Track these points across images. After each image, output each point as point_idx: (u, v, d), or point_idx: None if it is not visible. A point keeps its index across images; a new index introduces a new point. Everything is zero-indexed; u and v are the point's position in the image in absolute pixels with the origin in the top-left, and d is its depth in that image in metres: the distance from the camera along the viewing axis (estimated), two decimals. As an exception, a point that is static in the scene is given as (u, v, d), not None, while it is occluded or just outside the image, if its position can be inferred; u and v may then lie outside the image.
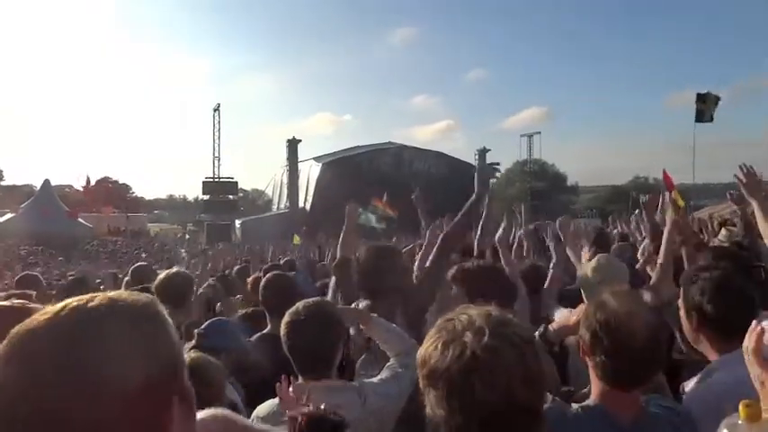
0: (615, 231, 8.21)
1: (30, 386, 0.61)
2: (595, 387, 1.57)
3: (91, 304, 0.69)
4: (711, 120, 14.48)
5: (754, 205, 2.77)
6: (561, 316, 2.23)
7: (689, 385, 1.80)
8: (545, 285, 3.15)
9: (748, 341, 1.09)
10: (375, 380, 2.08)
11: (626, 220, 8.20)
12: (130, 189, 62.22)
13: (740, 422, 0.97)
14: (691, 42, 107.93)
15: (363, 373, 2.33)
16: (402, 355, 2.12)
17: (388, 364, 2.15)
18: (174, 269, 3.64)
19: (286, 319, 1.96)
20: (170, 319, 0.75)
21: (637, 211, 5.07)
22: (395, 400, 1.99)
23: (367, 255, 2.73)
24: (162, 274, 3.46)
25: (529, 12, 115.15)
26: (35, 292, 3.48)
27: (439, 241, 2.84)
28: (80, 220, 36.35)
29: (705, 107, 14.44)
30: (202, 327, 2.57)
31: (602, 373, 1.52)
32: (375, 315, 2.27)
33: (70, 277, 6.21)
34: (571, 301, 2.87)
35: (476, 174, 3.03)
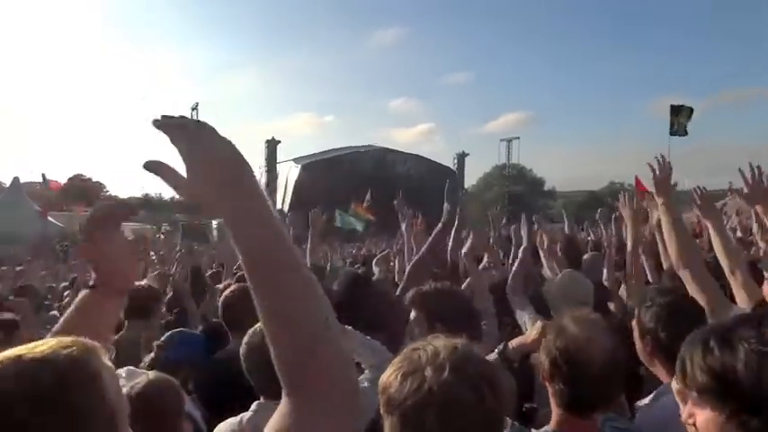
0: (589, 238, 8.31)
1: None
2: (555, 413, 1.56)
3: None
4: (685, 133, 14.78)
5: (760, 211, 2.72)
6: (520, 338, 2.21)
7: (642, 403, 1.81)
8: (513, 270, 3.16)
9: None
10: None
11: (603, 224, 8.32)
12: (104, 187, 61.10)
13: None
14: (673, 51, 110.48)
15: None
16: (373, 368, 2.07)
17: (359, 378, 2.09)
18: (142, 282, 3.54)
19: (246, 339, 1.89)
20: (104, 368, 0.80)
21: (612, 216, 5.13)
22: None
23: (343, 286, 2.67)
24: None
25: (514, 16, 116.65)
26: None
27: (414, 261, 2.85)
28: (50, 218, 35.48)
29: (678, 120, 14.76)
30: (162, 338, 2.47)
31: (561, 401, 1.52)
32: (349, 328, 2.21)
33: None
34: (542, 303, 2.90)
35: (445, 196, 3.08)
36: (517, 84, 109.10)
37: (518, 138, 49.39)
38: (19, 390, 0.74)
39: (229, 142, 0.86)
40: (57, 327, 1.23)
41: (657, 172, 2.58)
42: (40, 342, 0.81)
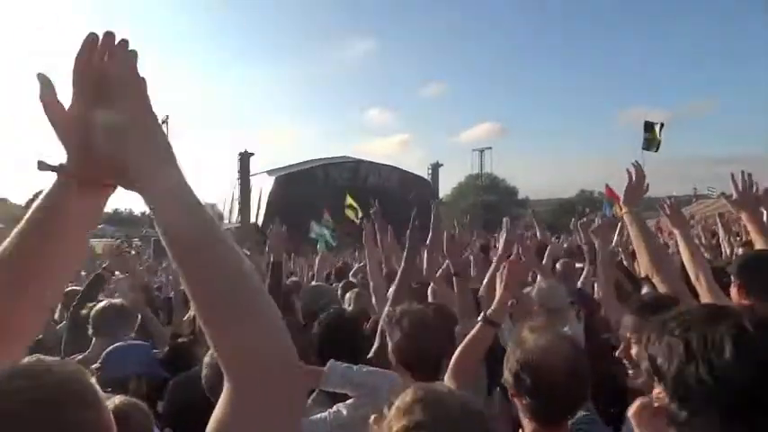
0: (565, 245, 8.44)
1: None
2: (527, 427, 1.54)
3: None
4: (657, 149, 15.19)
5: (744, 217, 2.73)
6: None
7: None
8: (495, 257, 3.19)
9: (635, 406, 0.98)
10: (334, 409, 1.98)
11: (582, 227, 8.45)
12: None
13: None
14: (645, 60, 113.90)
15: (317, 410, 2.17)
16: (354, 403, 1.98)
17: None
18: (108, 301, 3.44)
19: (206, 359, 1.84)
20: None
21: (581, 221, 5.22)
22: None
23: (323, 327, 2.51)
24: (98, 306, 3.28)
25: (486, 28, 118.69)
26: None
27: (395, 288, 2.85)
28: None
29: (652, 137, 15.21)
30: (100, 359, 2.37)
31: (531, 414, 1.50)
32: (327, 371, 2.04)
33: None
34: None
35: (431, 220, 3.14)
36: (489, 94, 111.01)
37: (490, 148, 50.15)
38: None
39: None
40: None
41: (633, 179, 2.59)
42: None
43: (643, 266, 2.43)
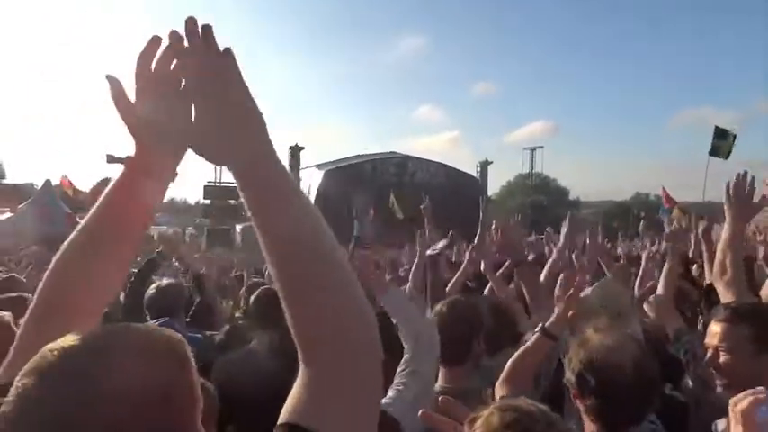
0: (620, 251, 8.15)
1: (40, 393, 0.66)
2: (589, 430, 1.47)
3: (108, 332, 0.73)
4: (727, 157, 14.34)
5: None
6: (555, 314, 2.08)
7: (721, 424, 1.69)
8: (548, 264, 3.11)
9: (742, 400, 0.97)
10: (385, 400, 1.99)
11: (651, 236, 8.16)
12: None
13: None
14: (705, 61, 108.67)
15: None
16: (409, 352, 2.08)
17: (397, 373, 2.08)
18: (165, 281, 3.57)
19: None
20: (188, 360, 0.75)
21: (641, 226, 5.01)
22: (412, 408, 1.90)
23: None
24: (153, 287, 3.39)
25: (541, 26, 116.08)
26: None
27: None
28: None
29: (722, 144, 14.36)
30: None
31: (595, 416, 1.43)
32: (393, 285, 2.26)
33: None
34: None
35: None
36: (541, 93, 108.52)
37: (542, 147, 48.92)
38: None
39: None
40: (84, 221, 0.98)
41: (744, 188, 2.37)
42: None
43: (720, 267, 2.31)
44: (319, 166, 43.80)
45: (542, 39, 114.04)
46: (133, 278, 3.79)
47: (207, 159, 0.83)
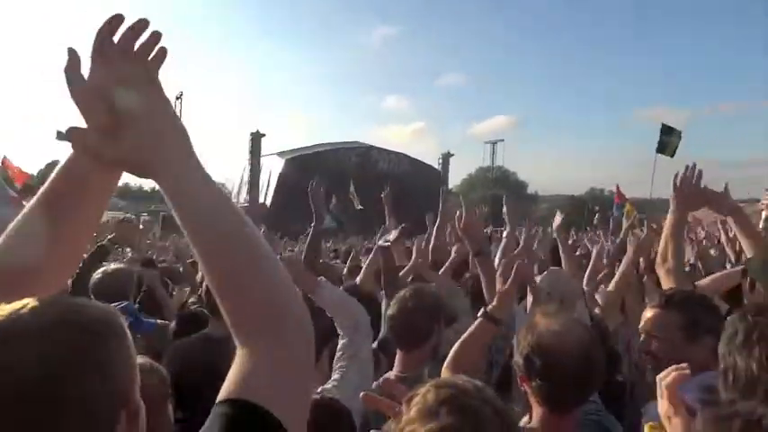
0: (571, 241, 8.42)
1: None
2: (536, 413, 1.52)
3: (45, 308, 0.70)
4: (672, 155, 14.87)
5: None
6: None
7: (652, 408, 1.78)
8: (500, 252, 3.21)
9: (667, 376, 1.05)
10: (328, 386, 2.09)
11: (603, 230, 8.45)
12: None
13: None
14: (662, 61, 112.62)
15: None
16: (347, 338, 2.22)
17: (336, 359, 2.22)
18: (113, 265, 3.43)
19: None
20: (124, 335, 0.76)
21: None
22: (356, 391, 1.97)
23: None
24: (99, 271, 3.26)
25: (507, 22, 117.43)
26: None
27: None
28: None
29: (669, 141, 14.89)
30: None
31: (541, 398, 1.48)
32: (322, 279, 2.34)
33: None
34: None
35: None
36: (506, 88, 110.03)
37: (503, 140, 49.69)
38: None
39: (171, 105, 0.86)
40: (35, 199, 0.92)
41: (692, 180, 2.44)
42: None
43: (663, 254, 2.39)
44: (281, 154, 43.16)
45: (508, 34, 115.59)
46: (81, 264, 3.66)
47: (131, 172, 0.85)
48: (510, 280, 2.01)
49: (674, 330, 1.78)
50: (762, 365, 0.78)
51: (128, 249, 5.58)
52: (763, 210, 2.67)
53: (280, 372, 0.76)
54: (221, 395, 0.75)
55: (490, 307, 1.98)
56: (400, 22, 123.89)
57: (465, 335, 1.97)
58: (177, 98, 40.09)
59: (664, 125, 15.26)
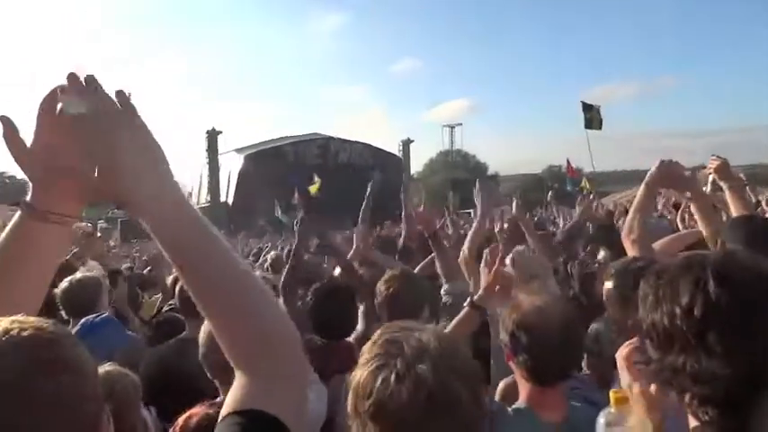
0: (535, 219, 8.67)
1: None
2: (523, 389, 1.59)
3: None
4: (600, 127, 15.91)
5: (725, 189, 2.64)
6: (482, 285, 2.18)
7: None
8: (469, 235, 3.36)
9: (623, 349, 1.13)
10: None
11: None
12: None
13: (611, 409, 1.14)
14: (611, 38, 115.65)
15: None
16: None
17: None
18: (79, 274, 3.29)
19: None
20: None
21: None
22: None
23: (316, 299, 2.76)
24: (65, 282, 3.10)
25: (460, 6, 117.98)
26: None
27: None
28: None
29: (592, 116, 15.85)
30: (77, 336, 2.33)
31: (527, 373, 1.55)
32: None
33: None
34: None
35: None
36: (461, 72, 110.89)
37: (461, 124, 50.30)
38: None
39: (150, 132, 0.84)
40: None
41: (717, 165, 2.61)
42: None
43: (625, 231, 2.49)
44: (239, 150, 42.36)
45: (461, 18, 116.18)
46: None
47: (109, 200, 0.85)
48: (490, 266, 2.06)
49: (615, 297, 1.86)
50: (672, 319, 0.86)
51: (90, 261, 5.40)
52: (709, 174, 2.79)
53: (281, 385, 0.82)
54: (225, 410, 0.79)
55: (476, 297, 2.02)
56: (348, 9, 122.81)
57: (452, 324, 2.00)
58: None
59: (583, 103, 16.06)
